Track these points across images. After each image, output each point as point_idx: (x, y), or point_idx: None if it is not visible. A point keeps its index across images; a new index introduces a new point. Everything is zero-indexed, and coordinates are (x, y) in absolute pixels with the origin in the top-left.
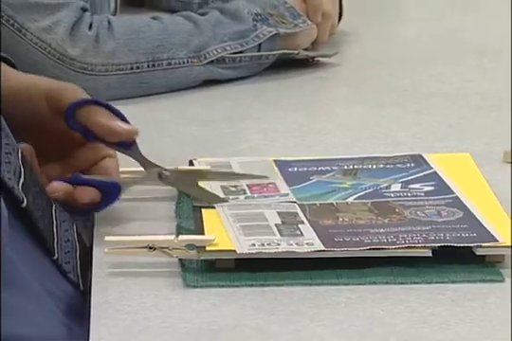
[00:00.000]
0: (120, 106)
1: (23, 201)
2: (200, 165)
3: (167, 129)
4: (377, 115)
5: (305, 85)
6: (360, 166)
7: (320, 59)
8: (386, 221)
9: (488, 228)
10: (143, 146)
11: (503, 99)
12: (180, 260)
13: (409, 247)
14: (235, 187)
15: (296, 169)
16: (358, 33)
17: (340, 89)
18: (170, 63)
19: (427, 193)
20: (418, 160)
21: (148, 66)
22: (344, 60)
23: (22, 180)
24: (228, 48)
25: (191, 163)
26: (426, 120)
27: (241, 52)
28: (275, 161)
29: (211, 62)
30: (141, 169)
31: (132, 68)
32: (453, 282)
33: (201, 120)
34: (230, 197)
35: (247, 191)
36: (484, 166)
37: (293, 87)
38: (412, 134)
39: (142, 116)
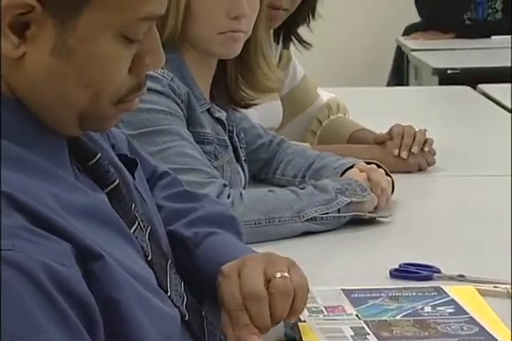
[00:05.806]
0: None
1: (185, 316)
2: None
3: None
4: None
5: (369, 236)
6: (400, 294)
7: (380, 218)
8: (426, 333)
9: (500, 340)
10: None
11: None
12: None
13: None
14: (316, 308)
15: (357, 295)
16: (405, 201)
17: (392, 241)
18: (280, 221)
19: (450, 314)
20: (439, 290)
21: (265, 222)
22: (395, 219)
23: (185, 302)
24: (318, 211)
25: None
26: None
27: (327, 214)
28: (343, 290)
29: (307, 220)
30: None
31: (255, 223)
32: None
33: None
34: (313, 315)
35: (324, 311)
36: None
37: (361, 237)
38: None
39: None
